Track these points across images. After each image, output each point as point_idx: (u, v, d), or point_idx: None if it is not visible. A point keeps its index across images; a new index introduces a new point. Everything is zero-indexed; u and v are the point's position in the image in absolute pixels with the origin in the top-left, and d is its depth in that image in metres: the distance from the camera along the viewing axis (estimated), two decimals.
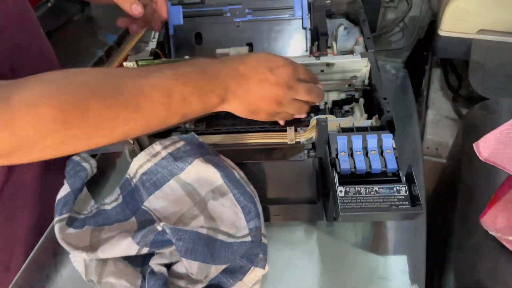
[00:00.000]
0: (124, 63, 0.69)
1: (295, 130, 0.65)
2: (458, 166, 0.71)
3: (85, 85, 0.45)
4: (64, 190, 0.63)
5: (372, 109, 0.67)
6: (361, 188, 0.52)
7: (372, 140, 0.56)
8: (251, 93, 0.53)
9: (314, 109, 0.72)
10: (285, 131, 0.65)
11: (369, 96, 0.69)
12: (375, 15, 0.87)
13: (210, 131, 0.68)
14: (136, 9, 0.63)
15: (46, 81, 0.44)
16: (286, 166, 0.64)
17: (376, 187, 0.52)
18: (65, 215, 0.60)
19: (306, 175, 0.64)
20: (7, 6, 0.65)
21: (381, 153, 0.56)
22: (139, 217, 0.62)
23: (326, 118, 0.58)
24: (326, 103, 0.72)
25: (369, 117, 0.66)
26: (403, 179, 0.53)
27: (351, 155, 0.56)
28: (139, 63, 0.68)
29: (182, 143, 0.61)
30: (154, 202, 0.60)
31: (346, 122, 0.63)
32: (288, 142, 0.64)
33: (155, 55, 0.70)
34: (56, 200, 0.62)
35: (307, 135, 0.64)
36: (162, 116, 0.48)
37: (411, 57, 0.91)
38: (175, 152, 0.60)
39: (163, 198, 0.60)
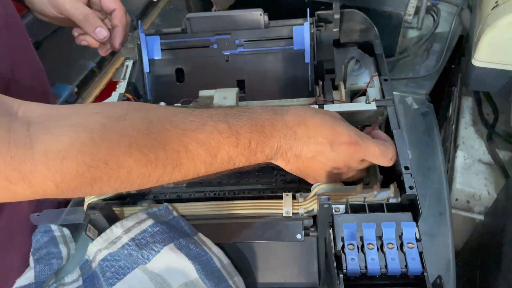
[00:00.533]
0: None
1: (293, 197, 0.52)
2: (501, 225, 0.57)
3: (124, 136, 0.39)
4: (27, 278, 0.51)
5: (387, 167, 0.54)
6: None
7: (389, 230, 0.43)
8: (302, 160, 0.47)
9: None
10: (281, 198, 0.52)
11: None
12: (395, 38, 0.73)
13: (190, 195, 0.56)
14: (100, 33, 0.58)
15: (81, 127, 0.38)
16: (281, 244, 0.52)
17: None
18: None
19: (305, 255, 0.52)
20: None
21: (401, 246, 0.43)
22: None
23: (329, 197, 0.45)
24: None
25: (385, 178, 0.54)
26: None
27: (362, 248, 0.43)
28: None
29: (149, 223, 0.49)
30: None
31: (356, 192, 0.50)
32: (284, 215, 0.51)
33: (125, 101, 0.58)
34: None
35: (307, 205, 0.51)
36: (201, 172, 0.44)
37: (436, 85, 0.76)
38: (140, 236, 0.48)
39: None
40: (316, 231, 0.50)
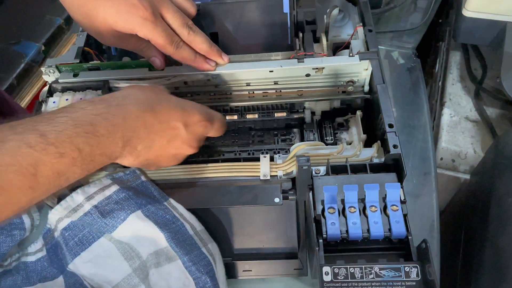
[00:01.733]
0: (42, 69, 0.51)
1: (271, 159, 0.49)
2: (489, 185, 0.55)
3: None
4: None
5: (372, 124, 0.50)
6: (356, 269, 0.37)
7: (372, 192, 0.40)
8: (154, 150, 0.42)
9: (298, 123, 0.55)
10: (258, 160, 0.49)
11: (369, 107, 0.52)
12: None
13: None
14: (154, 63, 0.50)
15: None
16: (258, 209, 0.49)
17: (376, 267, 0.37)
18: None
19: (284, 220, 0.49)
20: None
21: (384, 208, 0.40)
22: (68, 278, 0.47)
23: (309, 158, 0.42)
24: (313, 114, 0.55)
25: (369, 137, 0.50)
26: (415, 252, 0.38)
27: (343, 211, 0.40)
28: (62, 69, 0.51)
29: (114, 189, 0.45)
30: (81, 267, 0.45)
31: (337, 152, 0.46)
32: (261, 178, 0.48)
33: (83, 55, 0.53)
34: None
35: (285, 167, 0.48)
36: (23, 203, 0.34)
37: (422, 40, 0.72)
38: (103, 203, 0.44)
39: (92, 261, 0.45)
40: (295, 194, 0.47)
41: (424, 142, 0.61)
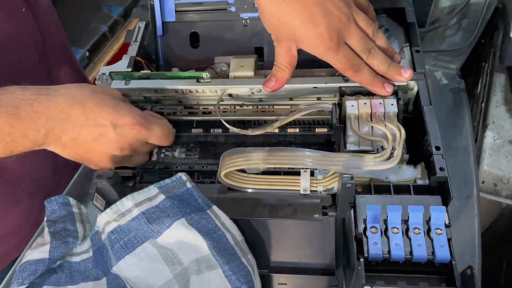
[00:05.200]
0: (96, 75, 0.54)
1: (311, 174, 0.49)
2: None
3: None
4: (41, 252, 0.48)
5: (414, 145, 0.50)
6: None
7: (416, 214, 0.40)
8: (81, 144, 0.44)
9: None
10: (298, 174, 0.49)
11: (412, 126, 0.52)
12: (427, 7, 0.67)
13: (202, 167, 0.53)
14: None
15: None
16: (296, 223, 0.49)
17: None
18: (25, 286, 0.47)
19: (322, 235, 0.49)
20: None
21: (428, 231, 0.40)
22: (111, 280, 0.49)
23: (353, 176, 0.42)
24: None
25: (411, 157, 0.50)
26: (458, 278, 0.38)
27: (385, 232, 0.40)
28: (113, 77, 0.53)
29: (160, 198, 0.46)
30: (124, 269, 0.47)
31: (380, 167, 0.46)
32: (301, 192, 0.48)
33: (137, 64, 0.55)
34: (23, 259, 0.49)
35: (326, 183, 0.48)
36: None
37: (468, 60, 0.71)
38: (150, 211, 0.46)
39: (135, 265, 0.46)
40: (335, 211, 0.47)
41: (466, 165, 0.60)
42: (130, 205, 0.46)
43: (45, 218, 0.51)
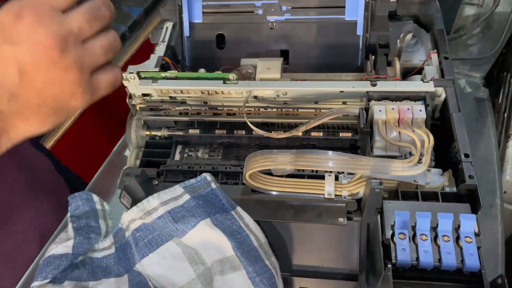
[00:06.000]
0: (124, 74, 0.54)
1: (336, 178, 0.49)
2: None
3: None
4: (65, 247, 0.49)
5: (439, 152, 0.49)
6: None
7: (446, 221, 0.39)
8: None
9: None
10: (323, 178, 0.49)
11: (437, 133, 0.52)
12: (452, 14, 0.67)
13: (225, 168, 0.53)
14: None
15: None
16: (320, 227, 0.49)
17: None
18: (49, 280, 0.47)
19: (346, 240, 0.49)
20: None
21: (457, 239, 0.40)
22: (133, 278, 0.49)
23: (381, 181, 0.42)
24: None
25: (436, 164, 0.50)
26: (488, 287, 0.37)
27: (413, 238, 0.40)
28: (141, 75, 0.53)
29: (185, 198, 0.47)
30: (148, 267, 0.47)
31: (408, 173, 0.45)
32: (326, 196, 0.48)
33: (163, 64, 0.55)
34: (47, 253, 0.49)
35: (351, 188, 0.48)
36: None
37: (492, 69, 0.71)
38: (176, 210, 0.46)
39: (159, 263, 0.46)
40: (360, 216, 0.47)
41: (489, 174, 0.60)
42: (156, 204, 0.46)
43: (69, 214, 0.52)
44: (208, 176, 0.49)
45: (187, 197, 0.47)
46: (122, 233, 0.50)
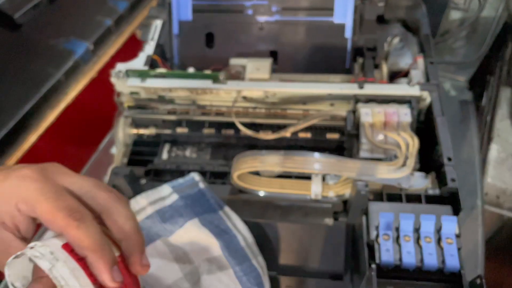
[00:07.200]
0: (112, 71, 0.54)
1: (323, 179, 0.50)
2: None
3: None
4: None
5: (423, 154, 0.51)
6: None
7: (428, 223, 0.41)
8: None
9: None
10: (309, 178, 0.50)
11: (422, 136, 0.53)
12: (438, 18, 0.68)
13: (213, 168, 0.53)
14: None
15: None
16: (306, 227, 0.50)
17: None
18: None
19: (331, 240, 0.50)
20: None
21: (438, 240, 0.41)
22: None
23: (367, 184, 0.42)
24: None
25: (420, 166, 0.51)
26: (467, 287, 0.38)
27: (397, 239, 0.41)
28: (130, 74, 0.53)
29: (174, 198, 0.47)
30: None
31: (393, 175, 0.47)
32: (312, 197, 0.49)
33: (152, 62, 0.55)
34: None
35: (337, 189, 0.49)
36: None
37: (476, 72, 0.72)
38: (164, 210, 0.46)
39: None
40: (346, 216, 0.48)
41: (471, 176, 0.61)
42: (144, 203, 0.46)
43: None
44: (196, 176, 0.49)
45: (175, 197, 0.47)
46: None
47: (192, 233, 0.45)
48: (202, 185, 0.49)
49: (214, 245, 0.45)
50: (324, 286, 0.49)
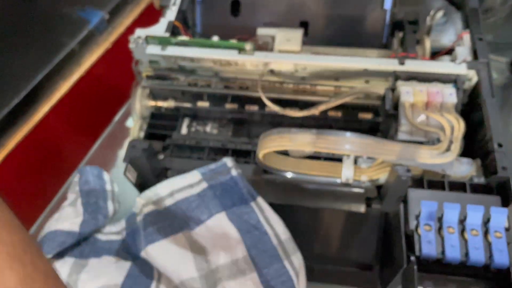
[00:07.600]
0: (131, 37, 0.50)
1: (355, 161, 0.46)
2: None
3: None
4: (73, 223, 0.46)
5: (470, 140, 0.46)
6: None
7: (475, 214, 0.37)
8: None
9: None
10: (340, 160, 0.46)
11: (466, 120, 0.49)
12: None
13: (236, 146, 0.50)
14: None
15: None
16: (337, 213, 0.46)
17: None
18: (51, 255, 0.44)
19: (362, 228, 0.46)
20: None
21: (485, 233, 0.37)
22: (138, 267, 0.46)
23: (409, 169, 0.39)
24: None
25: (463, 152, 0.46)
26: None
27: (439, 230, 0.37)
28: (149, 41, 0.49)
29: (202, 187, 0.43)
30: (152, 254, 0.44)
31: (436, 160, 0.42)
32: (343, 181, 0.45)
33: (173, 29, 0.51)
34: (53, 226, 0.46)
35: (371, 174, 0.45)
36: None
37: None
38: (190, 199, 0.42)
39: (164, 253, 0.43)
40: (380, 203, 0.44)
41: None
42: (170, 190, 0.43)
43: (78, 188, 0.49)
44: (229, 162, 0.45)
45: (204, 185, 0.43)
46: (135, 218, 0.47)
47: (216, 229, 0.41)
48: (235, 172, 0.44)
49: (239, 245, 0.41)
50: (353, 275, 0.46)
